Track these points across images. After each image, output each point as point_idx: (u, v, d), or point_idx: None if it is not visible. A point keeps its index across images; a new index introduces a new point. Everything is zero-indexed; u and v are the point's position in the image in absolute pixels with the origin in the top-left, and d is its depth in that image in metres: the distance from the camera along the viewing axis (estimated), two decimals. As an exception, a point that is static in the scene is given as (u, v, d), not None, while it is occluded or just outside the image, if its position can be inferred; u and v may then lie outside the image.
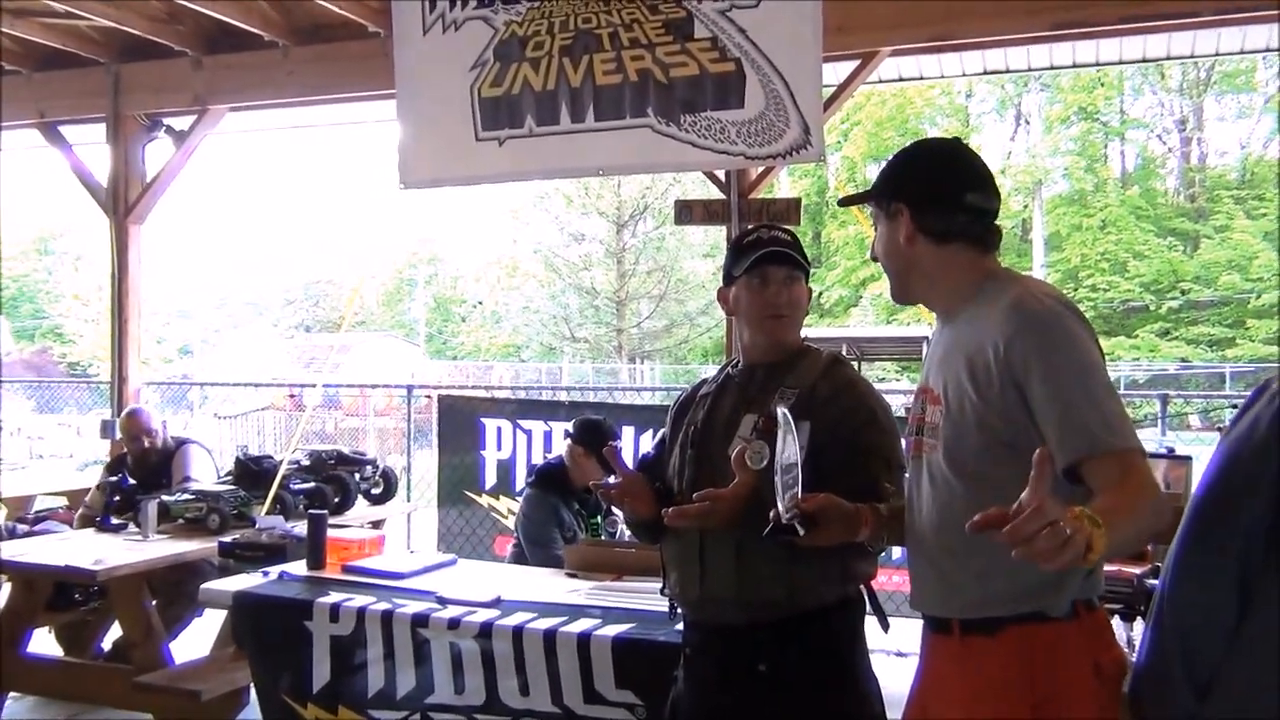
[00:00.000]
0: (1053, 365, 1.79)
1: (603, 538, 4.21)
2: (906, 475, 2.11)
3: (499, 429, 6.15)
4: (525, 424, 6.13)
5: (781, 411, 2.02)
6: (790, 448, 1.95)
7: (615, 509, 4.19)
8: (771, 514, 1.95)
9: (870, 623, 2.38)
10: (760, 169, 5.20)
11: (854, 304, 28.16)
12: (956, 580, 1.93)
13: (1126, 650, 2.48)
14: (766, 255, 2.39)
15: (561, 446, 4.48)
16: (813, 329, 20.41)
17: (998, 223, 2.06)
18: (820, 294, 27.84)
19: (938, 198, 2.02)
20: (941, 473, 1.93)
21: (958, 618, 1.92)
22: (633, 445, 5.48)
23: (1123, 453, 1.74)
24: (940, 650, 1.98)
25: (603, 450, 4.11)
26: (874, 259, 2.16)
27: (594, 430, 4.27)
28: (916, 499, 2.02)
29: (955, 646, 1.92)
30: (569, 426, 4.46)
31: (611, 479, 2.43)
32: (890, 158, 2.18)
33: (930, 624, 2.01)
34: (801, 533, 1.93)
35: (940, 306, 2.08)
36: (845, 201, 2.37)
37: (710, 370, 2.61)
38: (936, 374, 1.99)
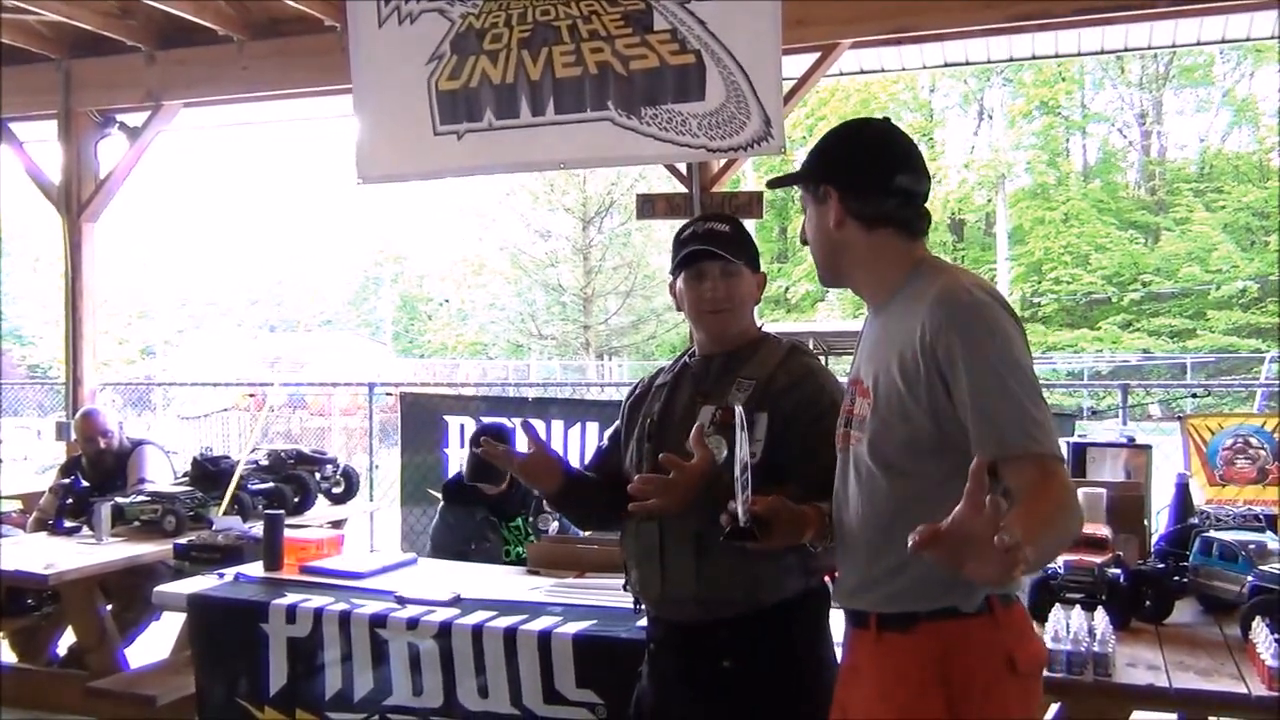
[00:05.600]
0: (977, 360, 1.76)
1: (533, 539, 4.10)
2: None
3: (462, 426, 6.09)
4: (489, 421, 6.07)
5: (738, 409, 1.98)
6: (746, 448, 1.93)
7: (545, 506, 4.15)
8: (724, 517, 1.92)
9: (834, 614, 2.36)
10: (722, 162, 5.18)
11: (820, 299, 28.23)
12: (873, 574, 1.91)
13: (1088, 639, 2.48)
14: (697, 252, 2.37)
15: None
16: (779, 323, 20.49)
17: (926, 206, 2.02)
18: (786, 289, 27.93)
19: (867, 181, 1.97)
20: (866, 467, 1.91)
21: (874, 611, 1.91)
22: (598, 442, 5.45)
23: (1039, 457, 1.73)
24: (859, 645, 1.97)
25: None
26: (803, 242, 2.11)
27: (487, 433, 4.22)
28: (843, 493, 1.99)
29: (871, 641, 1.91)
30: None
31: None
32: (820, 139, 2.11)
33: (850, 618, 2.00)
34: (758, 537, 1.92)
35: (869, 294, 2.04)
36: (774, 183, 2.29)
37: (672, 364, 2.58)
38: (867, 365, 1.96)
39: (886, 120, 2.10)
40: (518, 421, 5.81)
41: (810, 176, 2.04)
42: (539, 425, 5.82)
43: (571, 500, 2.53)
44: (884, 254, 1.97)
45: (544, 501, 4.11)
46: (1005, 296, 1.91)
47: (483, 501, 4.22)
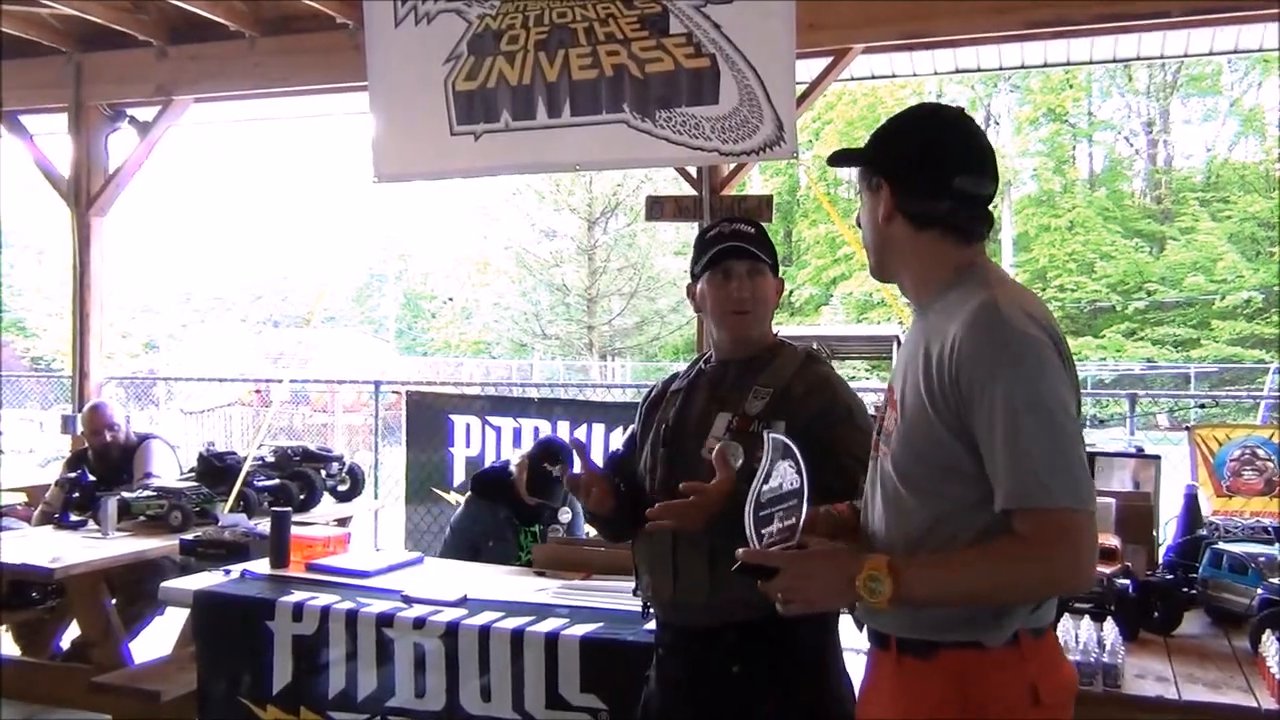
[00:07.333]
0: (998, 395, 1.62)
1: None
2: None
3: (467, 425, 6.09)
4: (494, 421, 6.08)
5: (772, 437, 1.82)
6: (787, 475, 1.77)
7: (559, 517, 4.19)
8: (740, 551, 1.74)
9: (844, 621, 2.35)
10: (732, 165, 5.18)
11: (824, 302, 28.25)
12: None
13: (1097, 649, 2.48)
14: (727, 250, 2.36)
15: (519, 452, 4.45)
16: (783, 327, 20.33)
17: (989, 210, 1.89)
18: (791, 292, 27.90)
19: (922, 180, 1.83)
20: (892, 484, 1.80)
21: (895, 635, 1.81)
22: (603, 443, 5.45)
23: (1047, 511, 1.60)
24: (880, 665, 1.88)
25: (547, 466, 4.13)
26: (857, 225, 1.98)
27: (551, 451, 4.25)
28: (871, 503, 1.89)
29: (892, 664, 1.83)
30: (529, 446, 4.41)
31: (576, 470, 2.39)
32: (884, 122, 1.96)
33: (871, 637, 1.90)
34: (768, 577, 1.73)
35: (912, 295, 1.91)
36: (836, 161, 2.02)
37: (681, 368, 2.57)
38: (899, 375, 1.85)
39: (960, 111, 1.95)
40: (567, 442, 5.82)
41: (867, 162, 1.91)
42: (543, 426, 5.83)
43: (612, 517, 2.44)
44: (929, 256, 1.85)
45: (557, 512, 4.18)
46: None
47: (508, 502, 4.24)
